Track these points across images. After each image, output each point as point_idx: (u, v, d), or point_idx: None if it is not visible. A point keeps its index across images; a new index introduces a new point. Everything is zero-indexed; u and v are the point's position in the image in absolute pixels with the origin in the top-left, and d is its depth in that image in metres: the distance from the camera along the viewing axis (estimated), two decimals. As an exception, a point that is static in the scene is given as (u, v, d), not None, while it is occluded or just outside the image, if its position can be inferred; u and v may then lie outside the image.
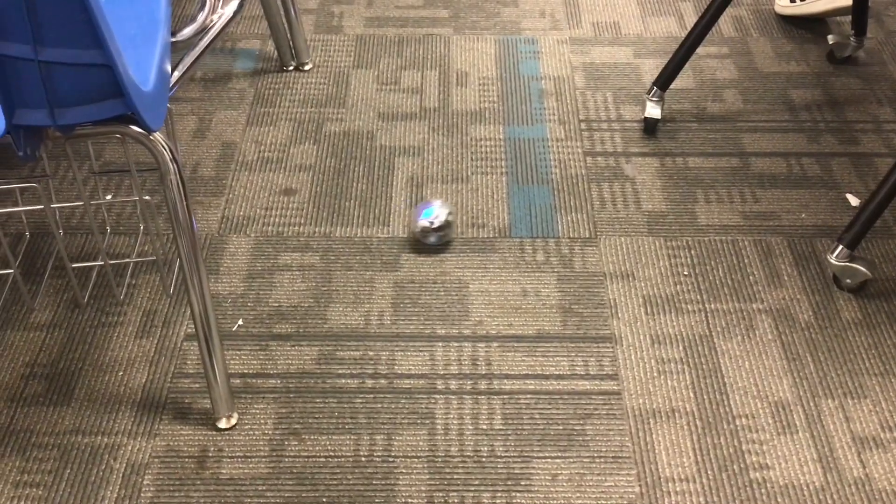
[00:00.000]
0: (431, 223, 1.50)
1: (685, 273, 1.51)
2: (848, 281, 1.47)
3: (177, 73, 1.14)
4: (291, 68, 1.93)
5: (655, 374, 1.36)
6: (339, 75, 1.93)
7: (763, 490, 1.22)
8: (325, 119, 1.82)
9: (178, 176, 1.12)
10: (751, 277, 1.50)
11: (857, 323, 1.43)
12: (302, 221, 1.61)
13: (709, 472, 1.24)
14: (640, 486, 1.22)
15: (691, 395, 1.33)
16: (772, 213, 1.61)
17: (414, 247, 1.56)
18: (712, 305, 1.46)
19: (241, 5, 1.32)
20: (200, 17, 1.24)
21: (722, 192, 1.66)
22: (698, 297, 1.47)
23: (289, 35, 1.90)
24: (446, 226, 1.51)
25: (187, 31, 1.22)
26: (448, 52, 1.99)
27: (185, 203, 1.15)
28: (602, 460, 1.25)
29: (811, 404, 1.32)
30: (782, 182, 1.67)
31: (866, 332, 1.41)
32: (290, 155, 1.74)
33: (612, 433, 1.28)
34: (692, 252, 1.55)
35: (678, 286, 1.49)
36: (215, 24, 1.25)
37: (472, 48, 2.00)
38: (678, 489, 1.22)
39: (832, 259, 1.46)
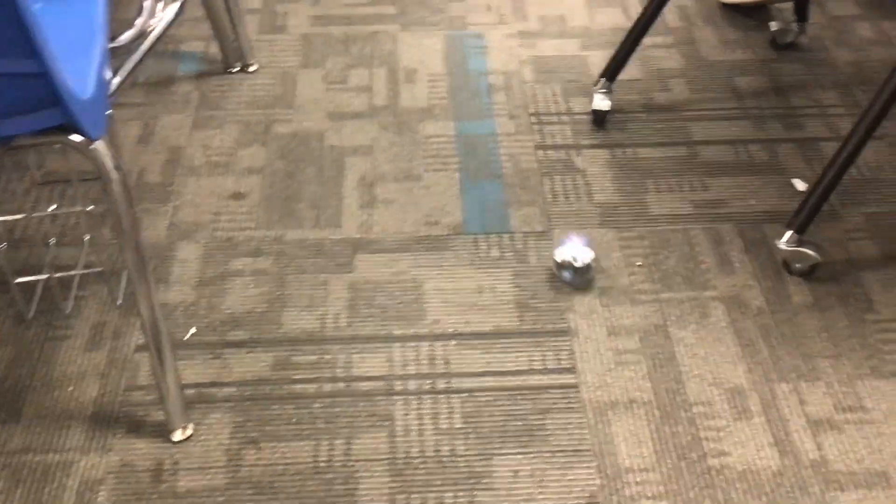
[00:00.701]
0: (574, 259, 1.46)
1: (638, 263, 1.52)
2: (798, 265, 1.49)
3: (117, 80, 1.11)
4: (237, 70, 1.90)
5: (612, 366, 1.37)
6: (286, 75, 1.90)
7: (721, 476, 1.23)
8: (272, 120, 1.80)
9: (122, 184, 1.10)
10: (703, 265, 1.52)
11: (808, 306, 1.45)
12: (252, 225, 1.58)
13: (668, 461, 1.25)
14: (600, 478, 1.23)
15: (648, 384, 1.34)
16: (721, 201, 1.63)
17: (367, 247, 1.54)
18: (666, 295, 1.47)
19: (181, 8, 1.30)
20: (139, 22, 1.21)
21: (672, 181, 1.67)
22: (652, 287, 1.48)
23: (233, 36, 1.87)
24: (585, 269, 1.47)
25: (126, 36, 1.19)
26: (396, 49, 1.97)
27: (130, 212, 1.13)
28: (562, 454, 1.25)
29: (766, 389, 1.33)
30: (730, 169, 1.69)
31: (817, 316, 1.43)
32: (238, 158, 1.71)
33: (572, 426, 1.29)
34: (645, 242, 1.56)
35: (632, 277, 1.50)
36: (155, 27, 1.23)
37: (420, 44, 1.99)
38: (638, 479, 1.23)
39: (781, 244, 1.48)
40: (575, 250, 1.47)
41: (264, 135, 1.76)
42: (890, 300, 1.45)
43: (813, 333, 1.41)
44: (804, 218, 1.47)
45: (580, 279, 1.47)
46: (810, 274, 1.49)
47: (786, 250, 1.48)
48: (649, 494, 1.21)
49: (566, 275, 1.47)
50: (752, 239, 1.56)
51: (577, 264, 1.46)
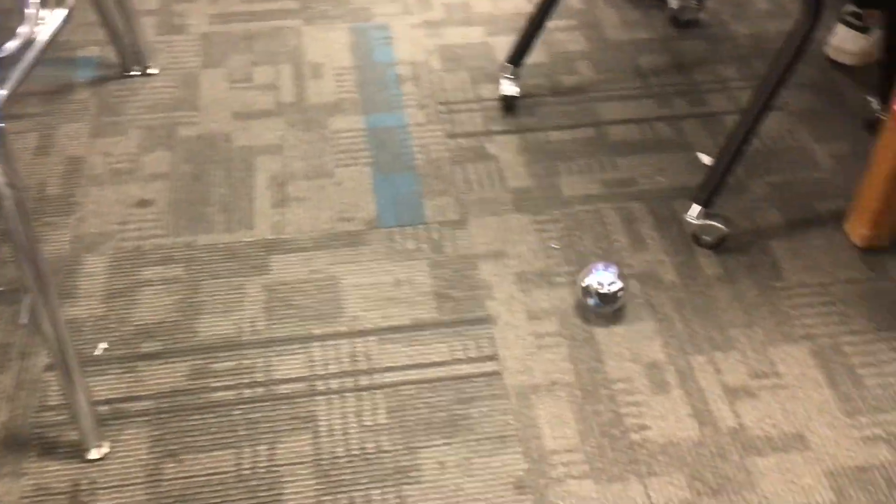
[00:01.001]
0: (600, 285, 1.39)
1: (554, 246, 1.53)
2: (707, 238, 1.52)
3: (4, 92, 1.07)
4: (136, 74, 1.85)
5: (533, 350, 1.37)
6: (188, 77, 1.86)
7: (644, 450, 1.25)
8: (176, 124, 1.75)
9: (16, 202, 1.05)
10: (616, 244, 1.53)
11: (719, 278, 1.48)
12: (161, 233, 1.54)
13: (591, 440, 1.26)
14: (526, 462, 1.23)
15: (569, 366, 1.35)
16: (631, 179, 1.65)
17: (282, 247, 1.52)
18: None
19: (69, 14, 1.25)
20: (22, 31, 1.16)
21: (582, 162, 1.68)
22: (568, 268, 1.49)
23: (129, 39, 1.82)
24: (612, 298, 1.39)
25: (9, 47, 1.14)
26: (300, 44, 1.94)
27: (27, 229, 1.08)
28: (488, 442, 1.26)
29: (682, 362, 1.36)
30: (638, 147, 1.72)
31: (728, 286, 1.47)
32: (142, 164, 1.67)
33: (496, 413, 1.29)
34: (559, 225, 1.57)
35: (549, 260, 1.51)
36: (41, 35, 1.18)
37: (325, 38, 1.96)
38: (564, 460, 1.24)
39: (690, 219, 1.51)
40: (603, 277, 1.39)
41: (168, 139, 1.72)
42: (796, 266, 1.49)
43: (725, 304, 1.44)
44: (710, 191, 1.50)
45: (607, 308, 1.40)
46: (719, 246, 1.52)
47: (694, 224, 1.51)
48: (575, 474, 1.22)
49: (591, 302, 1.40)
50: (662, 215, 1.58)
51: (604, 290, 1.38)
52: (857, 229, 1.51)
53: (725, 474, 1.22)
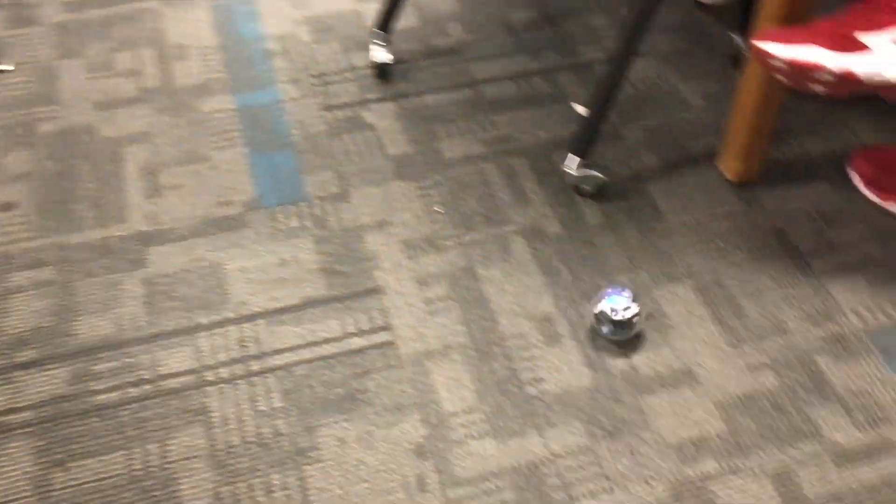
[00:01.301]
0: (614, 311, 1.29)
1: (439, 210, 1.52)
2: (587, 188, 1.54)
3: None
4: (-13, 70, 1.75)
5: (425, 316, 1.37)
6: (45, 70, 1.77)
7: (541, 402, 1.26)
8: (35, 120, 1.66)
9: None
10: (500, 202, 1.54)
11: (601, 226, 1.50)
12: (29, 235, 1.47)
13: (489, 398, 1.27)
14: (426, 427, 1.23)
15: (462, 328, 1.35)
16: (510, 136, 1.65)
17: (159, 238, 1.47)
18: (468, 237, 1.48)
19: None
20: None
21: (461, 124, 1.68)
22: (454, 231, 1.49)
23: (-25, 34, 1.71)
24: (627, 325, 1.30)
25: None
26: (161, 27, 1.87)
27: None
28: (387, 413, 1.25)
29: (572, 312, 1.37)
30: (515, 104, 1.72)
31: (610, 233, 1.49)
32: (2, 166, 1.58)
33: (393, 383, 1.28)
34: (442, 189, 1.56)
35: (434, 224, 1.50)
36: None
37: (186, 18, 1.89)
38: (463, 421, 1.24)
39: (568, 170, 1.52)
40: (616, 303, 1.30)
41: (28, 136, 1.63)
42: (673, 206, 1.52)
43: (609, 251, 1.46)
44: (586, 142, 1.51)
45: (622, 334, 1.31)
46: (600, 194, 1.54)
47: (573, 175, 1.53)
48: (475, 434, 1.23)
49: (605, 330, 1.31)
50: (543, 169, 1.59)
51: (618, 317, 1.30)
52: (730, 165, 1.55)
53: (620, 416, 1.25)
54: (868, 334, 1.34)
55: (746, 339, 1.34)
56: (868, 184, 1.51)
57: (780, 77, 1.30)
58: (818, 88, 1.29)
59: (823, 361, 1.31)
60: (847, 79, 1.24)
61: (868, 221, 1.49)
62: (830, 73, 1.23)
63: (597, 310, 1.31)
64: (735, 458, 1.20)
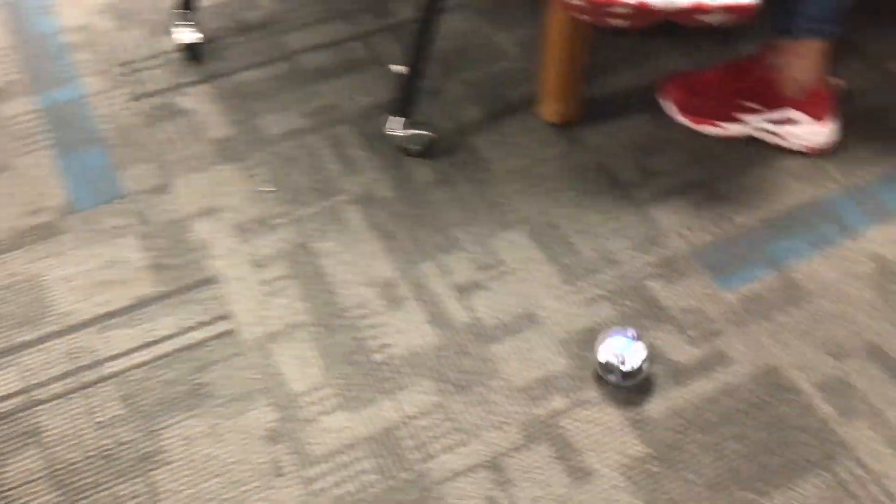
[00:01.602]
0: (621, 363, 1.20)
1: (268, 189, 1.49)
2: (415, 147, 1.53)
3: None
4: None
5: (264, 299, 1.34)
6: None
7: (390, 367, 1.26)
8: None
9: None
10: (329, 173, 1.51)
11: (432, 183, 1.50)
12: None
13: (337, 372, 1.25)
14: (276, 411, 1.21)
15: (303, 305, 1.33)
16: (333, 105, 1.62)
17: (-33, 258, 1.37)
18: (301, 212, 1.45)
19: None
20: None
21: (281, 98, 1.63)
22: (286, 208, 1.46)
23: None
24: (636, 373, 1.21)
25: None
26: (-55, 31, 1.73)
27: None
28: (234, 403, 1.22)
29: (412, 273, 1.37)
30: (334, 71, 1.69)
31: (442, 189, 1.49)
32: None
33: (237, 372, 1.25)
34: (269, 167, 1.52)
35: (264, 204, 1.46)
36: None
37: (-28, 19, 1.76)
38: (313, 399, 1.22)
39: (393, 132, 1.51)
40: (621, 347, 1.21)
41: None
42: (500, 154, 1.54)
43: (443, 207, 1.46)
44: (406, 101, 1.50)
45: (631, 382, 1.22)
46: (428, 152, 1.54)
47: (399, 136, 1.51)
48: (327, 409, 1.21)
49: (612, 378, 1.22)
50: (369, 134, 1.57)
51: (626, 368, 1.20)
52: (549, 108, 1.57)
53: (469, 369, 1.26)
54: (694, 254, 1.40)
55: (581, 275, 1.37)
56: (680, 110, 1.57)
57: (579, 15, 1.32)
58: (618, 22, 1.32)
59: (655, 286, 1.36)
60: (642, 9, 1.27)
61: (684, 146, 1.55)
62: (625, 4, 1.26)
63: (602, 360, 1.21)
64: (581, 391, 1.23)
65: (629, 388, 1.23)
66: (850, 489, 1.13)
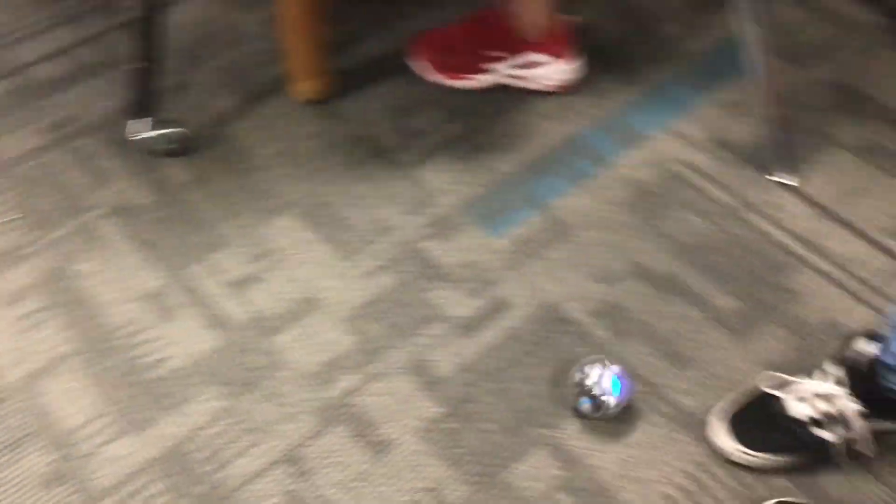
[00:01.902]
0: (603, 396, 1.13)
1: (14, 218, 1.38)
2: (166, 147, 1.45)
3: None
4: None
5: (23, 335, 1.24)
6: None
7: (170, 381, 1.20)
8: None
9: None
10: (78, 189, 1.42)
11: (189, 182, 1.43)
12: None
13: (114, 397, 1.18)
14: (53, 452, 1.13)
15: (69, 333, 1.24)
16: (72, 117, 1.52)
17: None
18: (52, 235, 1.36)
19: None
20: None
21: (16, 117, 1.51)
22: (35, 235, 1.35)
23: None
24: (604, 407, 1.14)
25: None
26: None
27: None
28: (7, 452, 1.13)
29: (181, 278, 1.31)
30: (71, 81, 1.58)
31: (204, 186, 1.43)
32: None
33: (2, 419, 1.15)
34: (11, 193, 1.41)
35: (11, 234, 1.36)
36: None
37: None
38: (91, 431, 1.15)
39: (138, 134, 1.43)
40: (595, 379, 1.14)
41: None
42: (260, 140, 1.49)
43: (206, 204, 1.40)
44: (147, 100, 1.43)
45: (599, 415, 1.15)
46: (184, 150, 1.47)
47: (146, 138, 1.44)
48: (108, 437, 1.14)
49: (584, 402, 1.15)
50: (117, 140, 1.48)
51: (597, 397, 1.14)
52: (301, 85, 1.53)
53: (254, 366, 1.22)
54: (464, 207, 1.41)
55: (358, 248, 1.36)
56: (432, 68, 1.57)
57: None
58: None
59: (431, 246, 1.36)
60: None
61: (441, 104, 1.55)
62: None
63: (575, 379, 1.16)
64: (371, 364, 1.22)
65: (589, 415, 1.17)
66: (634, 403, 1.18)
